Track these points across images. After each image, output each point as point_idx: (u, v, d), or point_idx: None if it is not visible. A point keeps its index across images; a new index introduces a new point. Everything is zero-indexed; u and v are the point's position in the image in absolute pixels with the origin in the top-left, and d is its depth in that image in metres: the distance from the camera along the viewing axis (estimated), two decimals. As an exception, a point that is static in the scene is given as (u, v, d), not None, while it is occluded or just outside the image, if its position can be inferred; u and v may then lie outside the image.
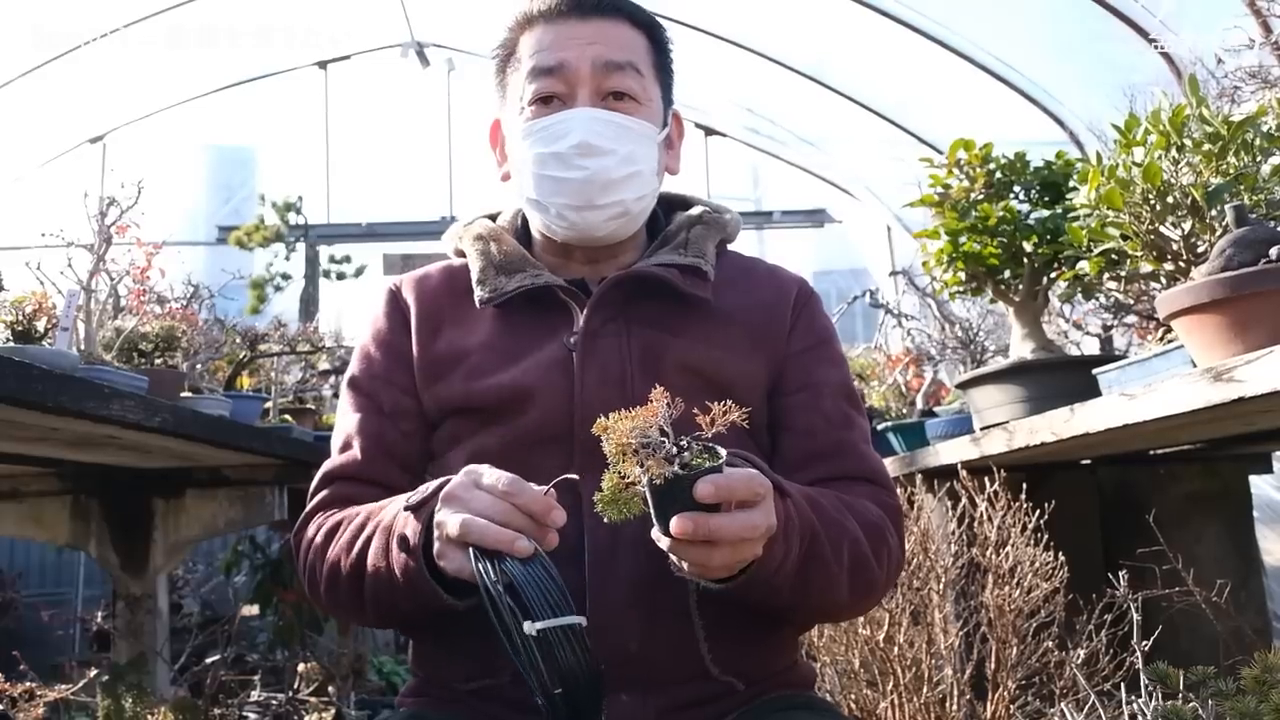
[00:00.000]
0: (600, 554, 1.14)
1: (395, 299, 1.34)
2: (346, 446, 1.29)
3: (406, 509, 1.08)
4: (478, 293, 1.26)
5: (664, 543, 0.97)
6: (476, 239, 1.33)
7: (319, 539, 1.21)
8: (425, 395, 1.27)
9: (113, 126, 6.75)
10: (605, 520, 0.96)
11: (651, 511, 0.95)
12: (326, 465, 1.30)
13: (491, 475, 1.02)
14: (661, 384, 1.15)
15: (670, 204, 1.40)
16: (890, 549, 1.20)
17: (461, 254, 1.35)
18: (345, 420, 1.31)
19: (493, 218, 1.42)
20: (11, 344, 1.93)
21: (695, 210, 1.37)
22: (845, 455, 1.25)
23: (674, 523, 0.92)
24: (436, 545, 1.03)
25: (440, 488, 1.06)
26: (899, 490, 2.39)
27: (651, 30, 1.31)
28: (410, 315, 1.31)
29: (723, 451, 0.96)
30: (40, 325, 2.03)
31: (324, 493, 1.28)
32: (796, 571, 1.06)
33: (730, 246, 1.40)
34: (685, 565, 0.99)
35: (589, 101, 1.24)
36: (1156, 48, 2.89)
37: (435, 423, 1.27)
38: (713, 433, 0.97)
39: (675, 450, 0.94)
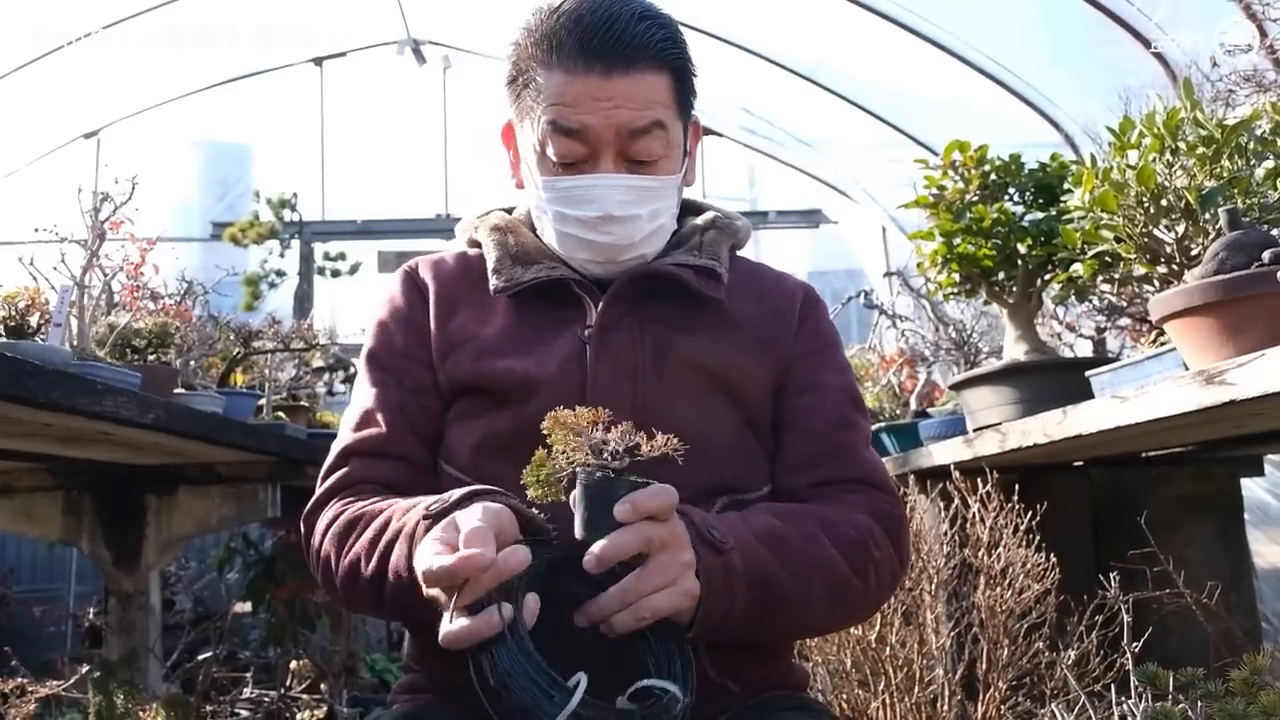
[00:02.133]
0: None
1: (412, 279, 1.33)
2: (367, 422, 1.26)
3: (427, 518, 1.05)
4: (493, 281, 1.26)
5: (591, 561, 0.99)
6: (493, 229, 1.32)
7: (336, 529, 1.18)
8: (439, 371, 1.26)
9: (107, 122, 6.72)
10: (529, 495, 0.99)
11: (577, 516, 1.00)
12: (343, 442, 1.27)
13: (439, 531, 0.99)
14: (671, 380, 1.16)
15: (683, 209, 1.39)
16: (879, 564, 1.19)
17: (475, 244, 1.35)
18: (364, 395, 1.28)
19: (509, 211, 1.41)
20: (4, 340, 1.91)
21: (708, 215, 1.38)
22: (843, 458, 1.26)
23: (585, 559, 0.98)
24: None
25: (465, 496, 1.05)
26: (892, 491, 2.40)
27: (677, 63, 1.23)
28: (429, 293, 1.30)
29: (648, 481, 1.01)
30: (33, 321, 2.02)
31: (342, 470, 1.24)
32: (752, 616, 1.08)
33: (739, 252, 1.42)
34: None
35: (612, 165, 1.20)
36: (1152, 51, 2.89)
37: (447, 402, 1.27)
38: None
39: (611, 456, 0.98)
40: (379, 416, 1.25)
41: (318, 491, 1.25)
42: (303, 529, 1.27)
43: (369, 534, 1.13)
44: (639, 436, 0.99)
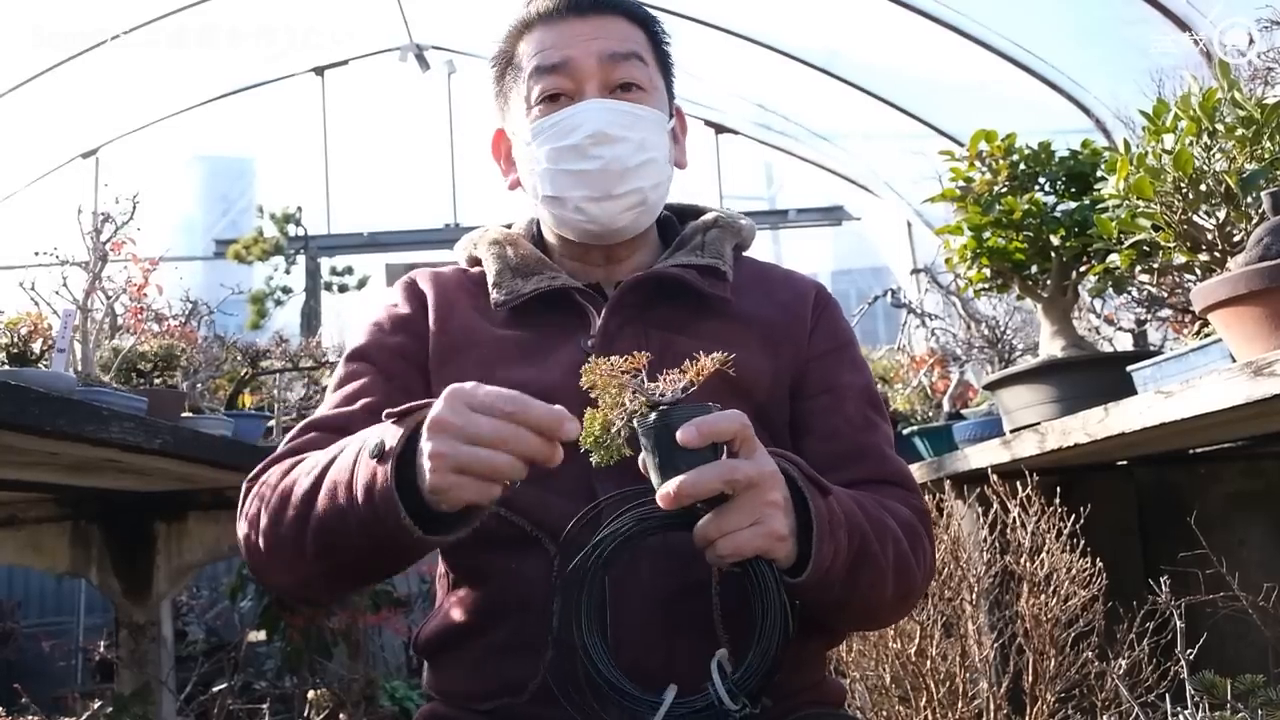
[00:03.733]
0: (621, 567, 1.10)
1: (412, 287, 1.32)
2: (345, 403, 1.20)
3: (387, 415, 0.99)
4: (494, 295, 1.25)
5: (666, 496, 0.95)
6: (492, 244, 1.33)
7: (273, 481, 1.10)
8: (436, 377, 1.23)
9: (105, 140, 6.72)
10: (594, 462, 0.95)
11: (651, 471, 0.96)
12: (310, 418, 1.22)
13: (485, 392, 0.92)
14: None
15: (684, 214, 1.42)
16: (924, 550, 1.19)
17: (475, 261, 1.34)
18: (344, 390, 1.22)
19: (508, 226, 1.41)
20: (7, 367, 1.92)
21: (709, 215, 1.38)
22: (868, 459, 1.24)
23: (659, 493, 0.94)
24: (429, 477, 0.92)
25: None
26: (927, 497, 2.36)
27: (649, 25, 1.31)
28: (428, 300, 1.29)
29: (712, 404, 0.96)
30: (36, 347, 2.03)
31: (301, 439, 1.18)
32: (848, 570, 1.06)
33: (745, 253, 1.41)
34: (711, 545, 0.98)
35: (597, 94, 1.24)
36: (1193, 38, 2.84)
37: None
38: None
39: (660, 392, 0.95)
40: (359, 403, 1.19)
41: (269, 457, 1.18)
42: (242, 493, 1.18)
43: (309, 460, 1.07)
44: (685, 369, 0.96)
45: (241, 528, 1.14)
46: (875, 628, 2.18)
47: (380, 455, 0.95)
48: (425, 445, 0.92)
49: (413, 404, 0.98)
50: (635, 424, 0.94)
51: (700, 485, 0.94)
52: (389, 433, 0.96)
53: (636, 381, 0.95)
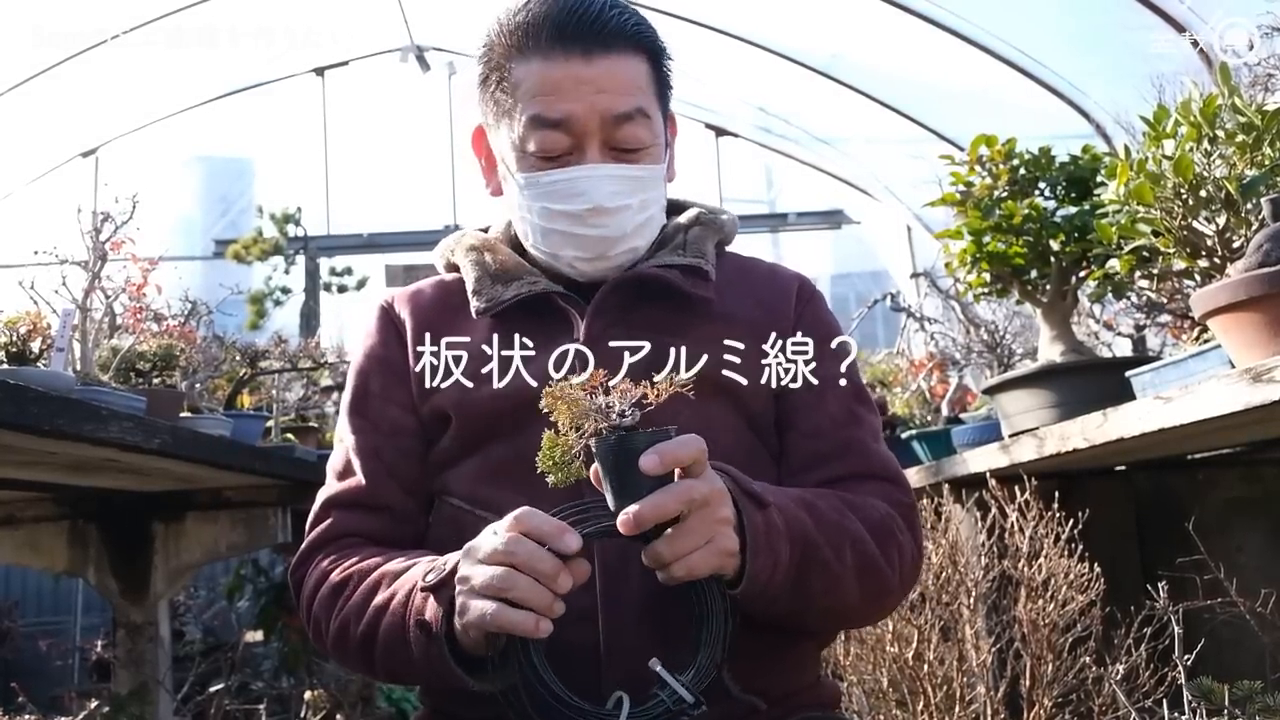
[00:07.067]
0: (611, 573, 1.11)
1: (387, 314, 1.32)
2: (347, 472, 1.26)
3: (424, 589, 1.06)
4: (474, 303, 1.24)
5: (628, 523, 0.95)
6: (470, 250, 1.31)
7: (324, 591, 1.18)
8: (423, 404, 1.24)
9: (105, 140, 6.69)
10: (550, 483, 0.96)
11: (606, 489, 0.96)
12: (326, 492, 1.28)
13: (489, 543, 0.99)
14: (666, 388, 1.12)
15: (665, 208, 1.39)
16: (902, 547, 1.17)
17: (453, 267, 1.33)
18: (343, 442, 1.29)
19: (484, 230, 1.39)
20: (5, 366, 1.89)
21: (691, 212, 1.35)
22: (852, 454, 1.23)
23: (620, 519, 0.94)
24: (458, 622, 1.02)
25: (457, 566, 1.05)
26: (925, 501, 2.36)
27: (653, 48, 1.24)
28: (405, 329, 1.28)
29: (670, 428, 0.97)
30: (35, 346, 2.00)
31: (326, 523, 1.25)
32: (792, 580, 1.06)
33: (743, 249, 1.39)
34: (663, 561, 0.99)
35: (598, 155, 1.19)
36: (1190, 38, 2.84)
37: (436, 434, 1.25)
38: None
39: (619, 415, 0.95)
40: (357, 464, 1.25)
41: (304, 544, 1.27)
42: (291, 582, 1.28)
43: (358, 597, 1.14)
44: (643, 386, 0.96)
45: (306, 623, 1.24)
46: (854, 627, 2.16)
47: (428, 634, 1.04)
48: (459, 600, 1.01)
49: (444, 574, 1.04)
50: (592, 444, 0.95)
51: (661, 510, 0.95)
52: (429, 610, 1.04)
53: (596, 402, 0.95)
